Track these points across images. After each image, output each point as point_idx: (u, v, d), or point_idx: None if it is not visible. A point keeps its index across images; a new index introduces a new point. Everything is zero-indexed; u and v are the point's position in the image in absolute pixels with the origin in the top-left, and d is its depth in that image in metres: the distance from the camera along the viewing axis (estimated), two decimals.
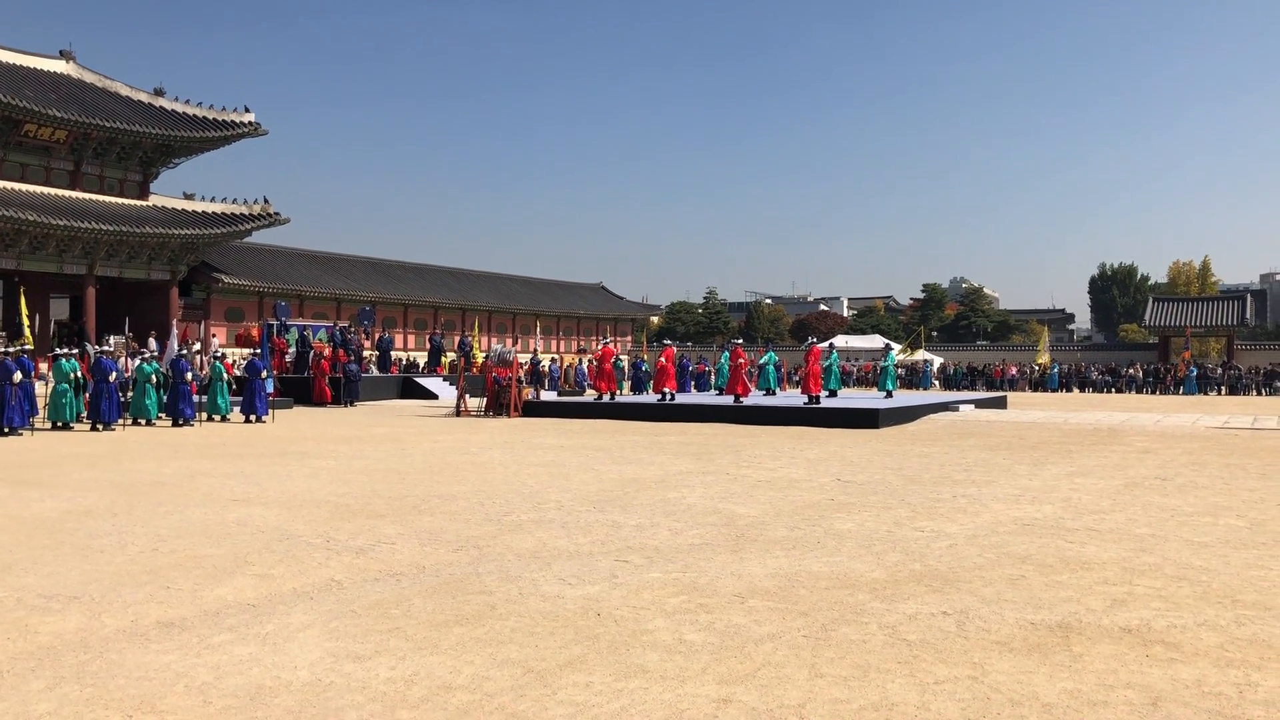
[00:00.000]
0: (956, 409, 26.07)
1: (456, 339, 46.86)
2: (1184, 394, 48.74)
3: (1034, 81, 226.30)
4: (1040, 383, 54.54)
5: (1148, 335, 66.01)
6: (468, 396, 28.16)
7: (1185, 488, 12.00)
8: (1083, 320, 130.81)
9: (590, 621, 5.91)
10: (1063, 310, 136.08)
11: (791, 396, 29.08)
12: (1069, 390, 53.31)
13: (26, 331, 27.35)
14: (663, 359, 27.18)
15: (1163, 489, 11.89)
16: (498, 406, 26.71)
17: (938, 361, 58.64)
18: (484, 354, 37.19)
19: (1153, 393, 50.82)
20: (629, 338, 72.01)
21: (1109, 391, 52.18)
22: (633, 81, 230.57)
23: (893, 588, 6.77)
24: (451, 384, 34.96)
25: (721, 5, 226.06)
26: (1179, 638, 5.60)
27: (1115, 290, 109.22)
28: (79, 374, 22.19)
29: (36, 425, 21.15)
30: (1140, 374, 53.81)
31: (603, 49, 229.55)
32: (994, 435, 19.68)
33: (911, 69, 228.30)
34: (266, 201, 45.72)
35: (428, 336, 47.11)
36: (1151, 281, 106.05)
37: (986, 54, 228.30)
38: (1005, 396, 35.34)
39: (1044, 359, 57.84)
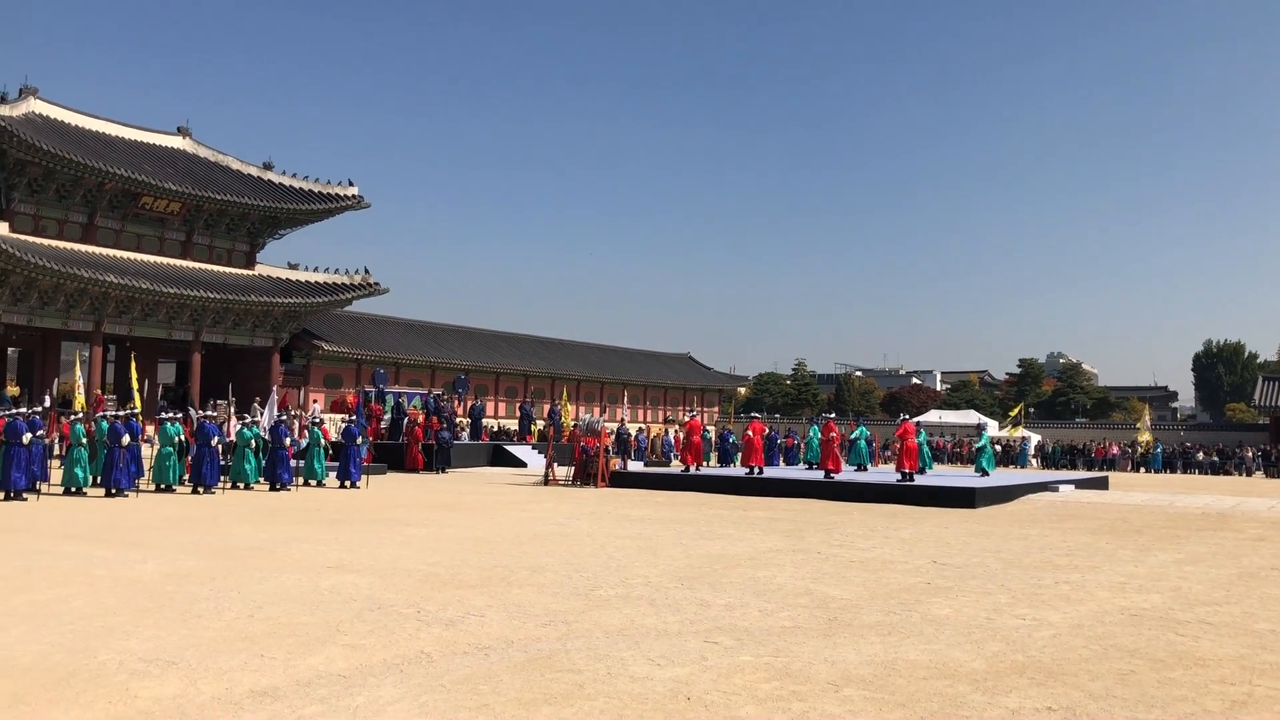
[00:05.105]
0: (1056, 489, 25.33)
1: (546, 407, 47.21)
2: None
3: (1133, 154, 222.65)
4: (1143, 463, 52.74)
5: (1257, 415, 63.60)
6: (556, 465, 28.29)
7: None
8: (1186, 399, 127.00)
9: (680, 705, 5.79)
10: (1165, 388, 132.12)
11: (884, 473, 28.56)
12: (1173, 471, 51.40)
13: (136, 395, 28.29)
14: (750, 432, 26.95)
15: None
16: (585, 476, 26.77)
17: (1035, 439, 57.10)
18: (573, 423, 37.41)
19: (1264, 476, 48.71)
20: (716, 408, 71.76)
21: (1215, 474, 50.18)
22: (724, 154, 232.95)
23: (994, 679, 6.52)
24: (540, 452, 35.20)
25: (814, 75, 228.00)
26: None
27: (1221, 368, 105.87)
28: (182, 437, 22.88)
29: (141, 487, 21.80)
30: (1250, 456, 51.68)
31: (696, 126, 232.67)
32: (1096, 518, 19.01)
33: (1012, 146, 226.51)
34: (367, 272, 47.03)
35: (518, 405, 47.59)
36: (1261, 359, 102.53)
37: (1089, 133, 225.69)
38: (1107, 477, 34.23)
39: (1145, 437, 55.96)
